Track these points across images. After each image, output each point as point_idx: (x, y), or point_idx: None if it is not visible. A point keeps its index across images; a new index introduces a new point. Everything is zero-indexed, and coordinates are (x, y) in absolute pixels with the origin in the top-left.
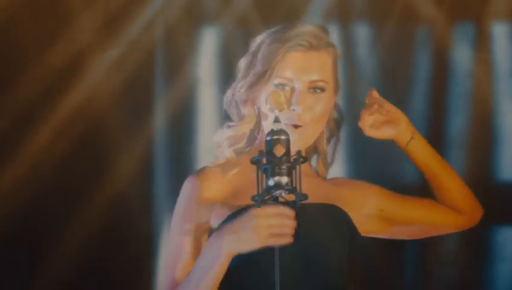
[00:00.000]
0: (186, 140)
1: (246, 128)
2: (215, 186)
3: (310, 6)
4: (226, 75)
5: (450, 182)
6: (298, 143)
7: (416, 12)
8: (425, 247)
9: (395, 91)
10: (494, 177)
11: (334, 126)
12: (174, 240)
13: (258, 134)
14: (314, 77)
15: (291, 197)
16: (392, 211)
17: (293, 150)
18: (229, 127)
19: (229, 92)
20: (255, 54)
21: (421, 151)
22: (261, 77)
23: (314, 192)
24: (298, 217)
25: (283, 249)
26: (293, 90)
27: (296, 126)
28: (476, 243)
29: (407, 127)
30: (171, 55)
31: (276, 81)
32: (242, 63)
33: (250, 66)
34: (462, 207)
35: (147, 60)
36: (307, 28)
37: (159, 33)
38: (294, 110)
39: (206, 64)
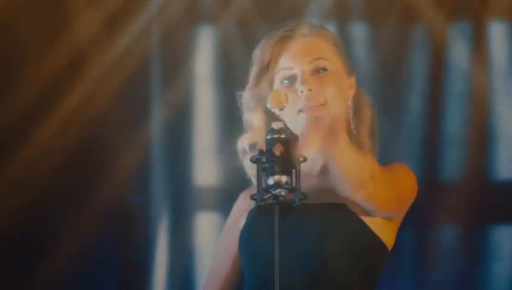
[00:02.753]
0: (184, 140)
1: (256, 137)
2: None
3: (308, 6)
4: (224, 75)
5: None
6: (321, 123)
7: (414, 11)
8: (421, 247)
9: (393, 90)
10: (490, 177)
11: (370, 123)
12: (216, 259)
13: None
14: (313, 56)
15: (290, 196)
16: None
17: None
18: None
19: (240, 104)
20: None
21: None
22: (259, 76)
23: None
24: (308, 215)
25: (288, 247)
26: (294, 76)
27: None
28: (472, 242)
29: None
30: (169, 54)
31: (279, 75)
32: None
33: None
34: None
35: (146, 59)
36: (295, 23)
37: (157, 32)
38: (302, 91)
39: (204, 64)
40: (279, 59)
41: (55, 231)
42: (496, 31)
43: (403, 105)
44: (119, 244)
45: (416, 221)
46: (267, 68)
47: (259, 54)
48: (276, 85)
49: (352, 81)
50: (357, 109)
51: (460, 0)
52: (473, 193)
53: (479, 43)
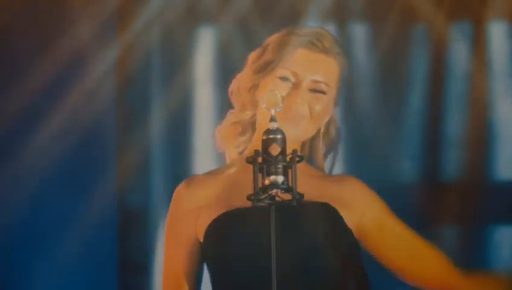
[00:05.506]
0: (183, 140)
1: (245, 115)
2: (202, 194)
3: (308, 6)
4: (224, 75)
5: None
6: (294, 135)
7: (414, 11)
8: None
9: (393, 91)
10: (490, 177)
11: (332, 143)
12: (165, 255)
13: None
14: (318, 78)
15: (287, 196)
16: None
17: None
18: (231, 113)
19: (234, 82)
20: (266, 47)
21: None
22: (268, 65)
23: (310, 191)
24: (291, 215)
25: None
26: (296, 85)
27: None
28: (472, 242)
29: None
30: (169, 54)
31: (281, 73)
32: (252, 55)
33: (259, 56)
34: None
35: (146, 59)
36: (324, 31)
37: (157, 32)
38: (300, 102)
39: (204, 64)
40: (292, 58)
41: (55, 231)
42: (496, 31)
43: (403, 105)
44: (119, 245)
45: (416, 221)
46: (279, 61)
47: (280, 43)
48: (276, 79)
49: (332, 111)
50: (325, 131)
51: (460, 0)
52: (473, 193)
53: (479, 44)
